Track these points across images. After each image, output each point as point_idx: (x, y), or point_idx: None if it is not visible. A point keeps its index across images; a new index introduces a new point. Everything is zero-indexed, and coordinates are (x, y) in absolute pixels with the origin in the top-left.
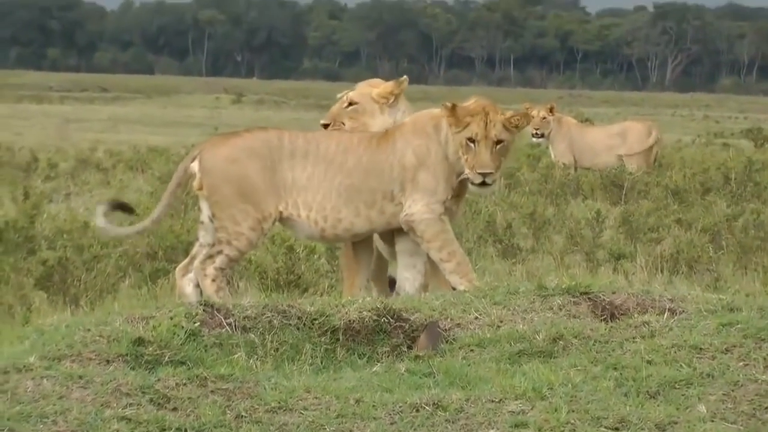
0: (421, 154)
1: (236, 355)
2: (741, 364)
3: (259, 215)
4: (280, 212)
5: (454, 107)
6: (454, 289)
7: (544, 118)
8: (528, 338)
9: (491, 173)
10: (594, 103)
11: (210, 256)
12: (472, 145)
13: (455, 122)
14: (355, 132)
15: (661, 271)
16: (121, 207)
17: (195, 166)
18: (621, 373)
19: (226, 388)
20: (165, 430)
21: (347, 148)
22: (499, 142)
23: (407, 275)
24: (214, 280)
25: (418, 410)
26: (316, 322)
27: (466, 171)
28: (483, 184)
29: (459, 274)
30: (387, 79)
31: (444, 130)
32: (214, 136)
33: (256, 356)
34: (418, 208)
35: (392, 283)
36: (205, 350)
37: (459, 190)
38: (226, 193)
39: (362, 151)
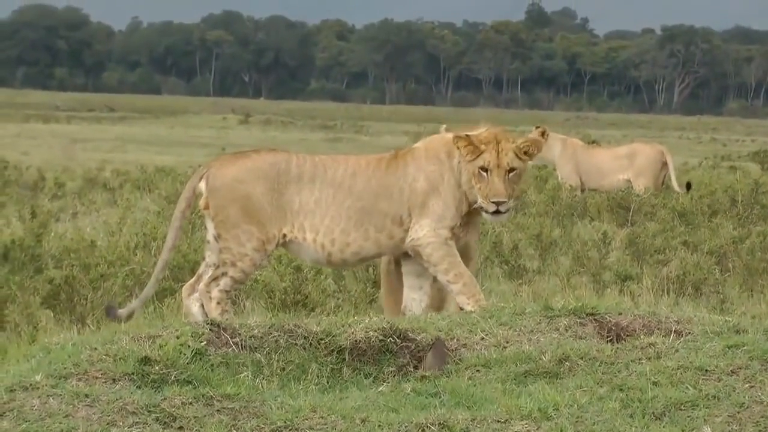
0: (434, 180)
1: (242, 375)
2: (747, 386)
3: (263, 236)
4: (284, 235)
5: (466, 137)
6: (461, 309)
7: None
8: (534, 359)
9: (504, 201)
10: (601, 125)
11: (215, 278)
12: (484, 174)
13: (468, 151)
14: (362, 156)
15: (668, 293)
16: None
17: (202, 185)
18: (627, 395)
19: (233, 408)
20: None
21: (356, 171)
22: (511, 170)
23: (414, 296)
24: (219, 303)
25: (423, 430)
26: (323, 341)
27: (480, 200)
28: (497, 212)
29: (466, 294)
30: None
31: (457, 157)
32: (221, 155)
33: (262, 375)
34: (425, 232)
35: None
36: (212, 369)
37: (470, 217)
38: (231, 213)
39: (371, 174)
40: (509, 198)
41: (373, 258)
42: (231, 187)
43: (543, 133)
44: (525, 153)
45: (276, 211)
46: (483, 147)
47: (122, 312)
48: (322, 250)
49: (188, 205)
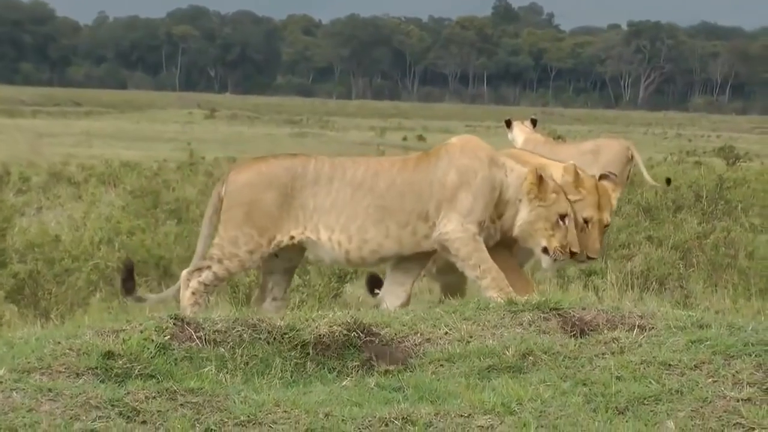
0: (466, 173)
1: (206, 369)
2: (710, 380)
3: (263, 241)
4: (292, 237)
5: (541, 178)
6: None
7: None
8: (497, 354)
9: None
10: (567, 120)
11: (198, 269)
12: (562, 223)
13: (540, 196)
14: (386, 157)
15: (632, 288)
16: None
17: (223, 190)
18: (590, 389)
19: (196, 402)
20: None
21: (378, 171)
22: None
23: (394, 290)
24: (194, 294)
25: (387, 425)
26: (287, 336)
27: (545, 244)
28: (556, 261)
29: (495, 289)
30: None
31: (506, 172)
32: (242, 160)
33: (225, 370)
34: (453, 227)
35: (375, 281)
36: (175, 364)
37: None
38: (236, 214)
39: (396, 173)
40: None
41: (393, 257)
42: (241, 190)
43: (508, 123)
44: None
45: (286, 215)
46: (554, 196)
47: (140, 293)
48: (339, 248)
49: (215, 211)
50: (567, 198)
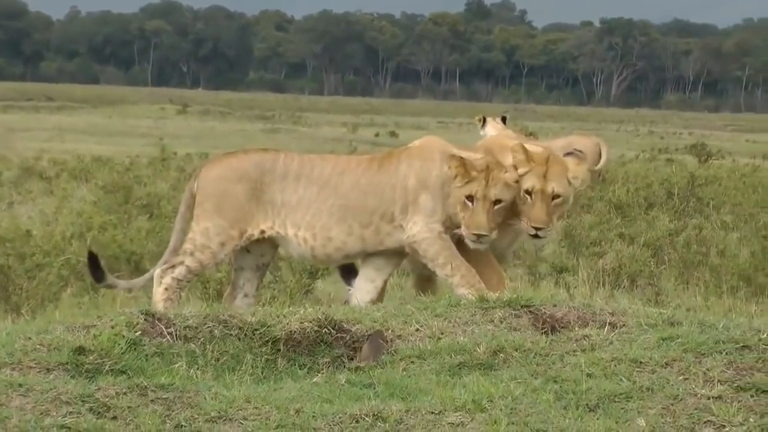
0: (422, 176)
1: (177, 365)
2: (681, 378)
3: (234, 233)
4: (263, 231)
5: (460, 159)
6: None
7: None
8: (468, 350)
9: (486, 235)
10: (539, 117)
11: (172, 266)
12: (470, 203)
13: (458, 174)
14: (354, 156)
15: (603, 285)
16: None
17: (195, 185)
18: (561, 386)
19: (166, 398)
20: None
21: (344, 171)
22: (497, 201)
23: (364, 286)
24: (167, 290)
25: (358, 421)
26: (257, 332)
27: (463, 228)
28: (476, 242)
29: (465, 286)
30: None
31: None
32: (213, 156)
33: (196, 366)
34: (419, 228)
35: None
36: (146, 359)
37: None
38: (207, 207)
39: (360, 173)
40: (491, 232)
41: (358, 255)
42: (213, 183)
43: (482, 120)
44: (516, 182)
45: (255, 208)
46: (474, 174)
47: (111, 280)
48: (305, 245)
49: (187, 207)
50: (496, 179)
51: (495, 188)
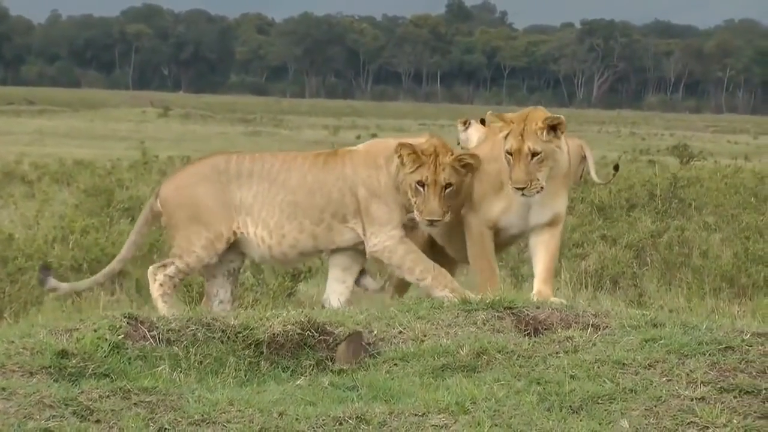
0: (371, 185)
1: (160, 368)
2: (664, 379)
3: (212, 235)
4: (234, 232)
5: (410, 146)
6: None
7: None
8: (452, 353)
9: (439, 220)
10: None
11: (163, 265)
12: (421, 189)
13: (409, 161)
14: (301, 152)
15: (586, 287)
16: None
17: (158, 203)
18: (544, 388)
19: (150, 401)
20: None
21: (291, 166)
22: (448, 186)
23: (336, 288)
24: (161, 285)
25: (341, 423)
26: (240, 335)
27: (415, 213)
28: (430, 224)
29: (438, 287)
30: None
31: (395, 163)
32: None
33: (179, 369)
34: (379, 239)
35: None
36: (129, 363)
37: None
38: (180, 217)
39: (307, 169)
40: (443, 216)
41: (313, 253)
42: (176, 194)
43: (465, 123)
44: (463, 167)
45: (222, 209)
46: (423, 159)
47: (54, 283)
48: (263, 244)
49: (145, 221)
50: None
51: (444, 172)
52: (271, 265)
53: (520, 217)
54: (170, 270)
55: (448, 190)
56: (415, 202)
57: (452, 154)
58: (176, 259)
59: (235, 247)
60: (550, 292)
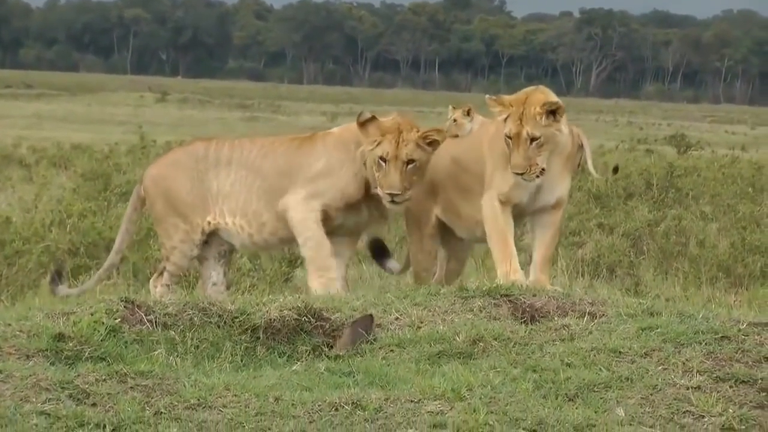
0: (332, 165)
1: (156, 352)
2: (660, 368)
3: (188, 227)
4: (209, 222)
5: (370, 120)
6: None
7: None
8: (448, 339)
9: (399, 194)
10: None
11: (160, 273)
12: (383, 164)
13: (371, 138)
14: (278, 137)
15: (582, 275)
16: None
17: (141, 189)
18: (540, 376)
19: (146, 385)
20: (84, 425)
21: (267, 152)
22: (410, 161)
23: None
24: (162, 296)
25: (337, 409)
26: (237, 320)
27: (378, 189)
28: (392, 202)
29: (314, 267)
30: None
31: (362, 144)
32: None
33: (176, 353)
34: (296, 198)
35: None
36: (126, 346)
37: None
38: (159, 208)
39: (281, 154)
40: (404, 191)
41: (293, 240)
42: (155, 183)
43: (468, 112)
44: (428, 144)
45: (198, 200)
46: (386, 135)
47: (65, 291)
48: (243, 232)
49: (134, 209)
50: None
51: (406, 148)
52: (255, 252)
53: (531, 194)
54: (165, 278)
55: (410, 166)
56: (377, 177)
57: (417, 131)
58: (166, 262)
59: (218, 234)
60: (547, 280)
